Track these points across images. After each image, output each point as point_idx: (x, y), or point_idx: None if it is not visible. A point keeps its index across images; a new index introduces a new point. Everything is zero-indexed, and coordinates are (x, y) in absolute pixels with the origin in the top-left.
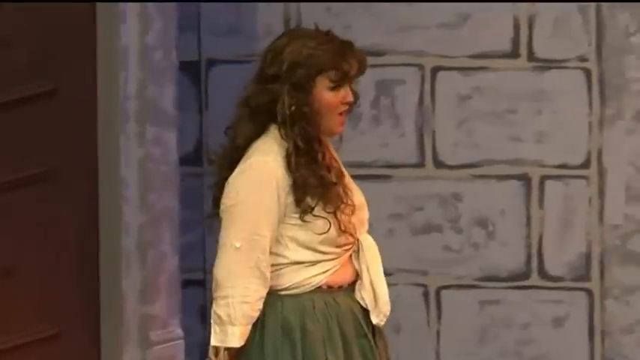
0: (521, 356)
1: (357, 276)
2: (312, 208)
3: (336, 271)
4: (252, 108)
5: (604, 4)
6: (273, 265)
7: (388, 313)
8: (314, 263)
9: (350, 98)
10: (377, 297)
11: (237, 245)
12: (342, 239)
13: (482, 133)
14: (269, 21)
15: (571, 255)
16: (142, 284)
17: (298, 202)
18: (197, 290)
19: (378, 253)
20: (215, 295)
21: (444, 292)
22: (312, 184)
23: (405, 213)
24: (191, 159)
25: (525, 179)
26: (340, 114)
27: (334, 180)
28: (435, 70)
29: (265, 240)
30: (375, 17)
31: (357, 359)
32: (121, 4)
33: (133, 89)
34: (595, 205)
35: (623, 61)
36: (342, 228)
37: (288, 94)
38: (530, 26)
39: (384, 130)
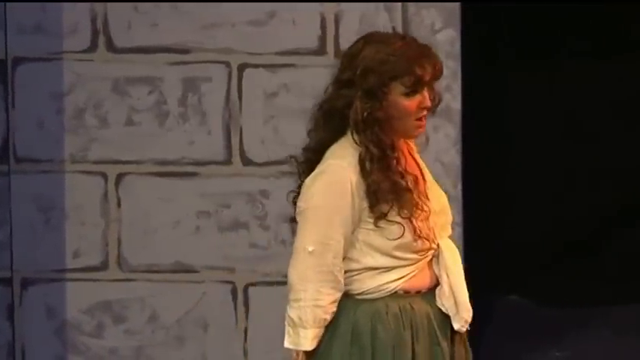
0: None
1: (437, 281)
2: (386, 214)
3: (414, 276)
4: (326, 112)
5: (410, 3)
6: (349, 271)
7: (470, 320)
8: (390, 269)
9: (427, 103)
10: (458, 303)
11: (310, 249)
12: (419, 245)
13: (289, 130)
14: (75, 19)
15: None
16: None
17: (372, 207)
18: (4, 289)
19: (459, 258)
20: (289, 297)
21: (251, 289)
22: (385, 189)
23: (213, 210)
24: None
25: None
26: (419, 118)
27: (408, 186)
28: (242, 68)
29: (339, 244)
30: (181, 15)
31: None
32: None
33: None
34: None
35: None
36: (418, 233)
37: (360, 100)
38: (337, 23)
39: (191, 128)
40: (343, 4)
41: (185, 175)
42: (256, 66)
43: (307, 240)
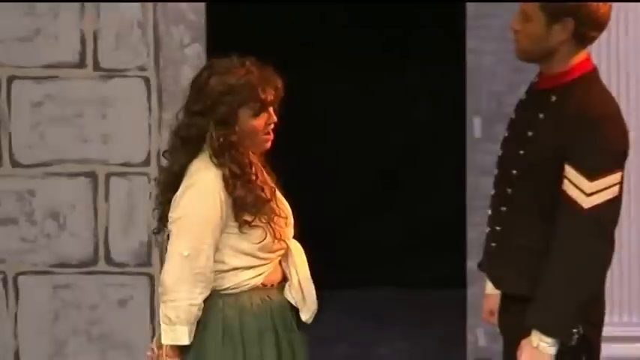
0: (90, 335)
1: (286, 277)
2: (250, 222)
3: (270, 272)
4: (183, 139)
5: (160, 20)
6: (216, 271)
7: (316, 311)
8: (252, 267)
9: (273, 119)
10: (305, 296)
11: (185, 254)
12: (277, 245)
13: (54, 135)
14: None
15: (134, 243)
16: None
17: (237, 217)
18: None
19: (304, 256)
20: (164, 298)
21: (21, 278)
22: (250, 202)
23: None
24: None
25: (92, 176)
26: (267, 132)
27: (268, 196)
28: (11, 80)
29: (210, 248)
30: None
31: (286, 351)
32: None
33: None
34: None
35: (178, 70)
36: (278, 236)
37: (214, 128)
38: (95, 39)
39: None
40: (101, 22)
41: None
42: (23, 78)
43: (182, 246)
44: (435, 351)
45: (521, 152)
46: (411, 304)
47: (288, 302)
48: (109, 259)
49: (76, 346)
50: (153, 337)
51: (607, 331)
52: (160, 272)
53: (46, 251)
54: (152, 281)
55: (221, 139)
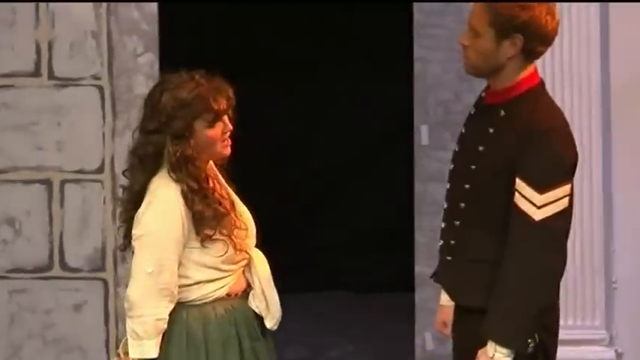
0: (45, 339)
1: (249, 285)
2: (211, 236)
3: (234, 283)
4: (140, 157)
5: (114, 30)
6: (180, 285)
7: (280, 319)
8: (215, 279)
9: (229, 127)
10: (269, 304)
11: (149, 270)
12: (239, 257)
13: (10, 143)
14: None
15: (88, 249)
16: None
17: (198, 232)
18: None
19: (267, 265)
20: (130, 314)
21: None
22: (209, 217)
23: None
24: None
25: (48, 183)
26: (223, 140)
27: (227, 210)
28: None
29: (174, 264)
30: None
31: (250, 359)
32: None
33: None
34: (109, 205)
35: (131, 79)
36: (239, 247)
37: (171, 143)
38: (50, 49)
39: None
40: (56, 32)
41: None
42: None
43: (146, 262)
44: (383, 354)
45: (473, 167)
46: (359, 307)
47: (253, 311)
48: (63, 265)
49: (31, 350)
50: (107, 340)
51: None
52: (114, 277)
53: (2, 257)
54: (106, 286)
55: (177, 154)
